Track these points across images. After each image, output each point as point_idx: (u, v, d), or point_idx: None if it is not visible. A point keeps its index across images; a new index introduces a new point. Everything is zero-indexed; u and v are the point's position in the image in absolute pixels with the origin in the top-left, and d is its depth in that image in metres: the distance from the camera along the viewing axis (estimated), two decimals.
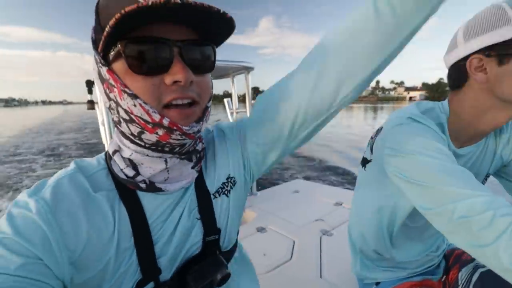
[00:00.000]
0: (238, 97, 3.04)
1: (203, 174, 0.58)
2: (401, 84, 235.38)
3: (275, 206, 2.40)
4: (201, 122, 0.47)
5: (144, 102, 0.41)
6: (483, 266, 0.88)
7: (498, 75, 0.65)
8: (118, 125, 0.47)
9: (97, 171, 0.50)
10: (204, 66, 0.46)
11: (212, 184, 0.58)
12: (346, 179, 6.81)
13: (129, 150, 0.48)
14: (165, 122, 0.42)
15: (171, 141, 0.44)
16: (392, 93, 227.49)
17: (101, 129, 2.11)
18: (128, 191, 0.49)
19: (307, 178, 6.68)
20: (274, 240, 1.83)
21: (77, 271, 0.43)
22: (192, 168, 0.53)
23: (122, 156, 0.49)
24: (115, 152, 0.50)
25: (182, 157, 0.51)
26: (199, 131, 0.47)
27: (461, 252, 1.01)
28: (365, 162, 0.91)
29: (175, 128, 0.43)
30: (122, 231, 0.46)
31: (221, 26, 0.43)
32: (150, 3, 0.33)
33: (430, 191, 0.61)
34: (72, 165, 0.49)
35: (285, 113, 0.54)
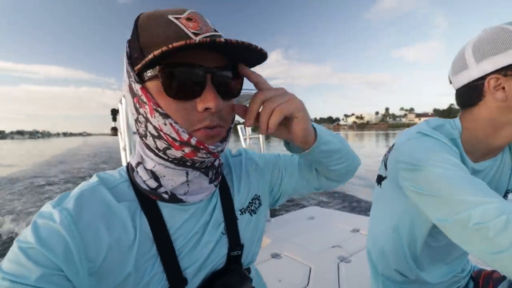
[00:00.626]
0: None
1: (229, 190, 0.61)
2: (411, 110, 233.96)
3: (289, 232, 2.32)
4: (225, 142, 0.50)
5: (175, 122, 0.43)
6: None
7: None
8: (143, 138, 0.48)
9: (119, 183, 0.51)
10: (232, 92, 0.49)
11: (239, 201, 0.61)
12: (360, 206, 6.60)
13: (152, 162, 0.49)
14: (193, 141, 0.44)
15: (196, 158, 0.46)
16: (403, 119, 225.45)
17: (122, 154, 2.22)
18: (149, 202, 0.49)
19: (320, 204, 6.48)
20: (290, 266, 1.76)
21: (98, 282, 0.43)
22: (210, 182, 0.54)
23: (145, 168, 0.50)
24: (138, 164, 0.51)
25: (202, 170, 0.52)
26: (222, 150, 0.49)
27: (490, 272, 0.99)
28: (380, 179, 0.92)
29: (201, 147, 0.45)
30: (142, 240, 0.47)
31: (255, 57, 0.46)
32: (197, 41, 0.36)
33: (444, 201, 0.62)
34: (94, 178, 0.50)
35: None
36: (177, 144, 0.44)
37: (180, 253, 0.50)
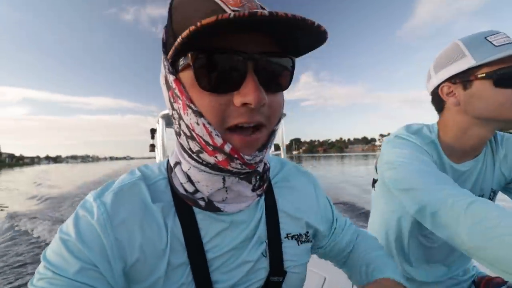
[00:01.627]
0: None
1: (277, 208, 0.53)
2: None
3: None
4: (265, 150, 0.41)
5: (208, 123, 0.37)
6: None
7: (465, 98, 0.76)
8: (178, 136, 0.44)
9: (158, 180, 0.48)
10: (280, 83, 0.40)
11: (288, 223, 0.54)
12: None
13: (187, 164, 0.44)
14: (227, 148, 0.37)
15: (230, 168, 0.39)
16: None
17: None
18: (184, 206, 0.45)
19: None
20: None
21: (129, 282, 0.42)
22: (253, 190, 0.46)
23: (182, 170, 0.45)
24: (176, 164, 0.46)
25: (241, 176, 0.44)
26: (261, 160, 0.41)
27: (491, 278, 1.00)
28: (374, 182, 0.97)
29: (236, 156, 0.38)
30: (174, 246, 0.43)
31: (309, 38, 0.36)
32: (231, 15, 0.28)
33: (412, 192, 0.69)
34: (137, 172, 0.48)
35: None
36: (210, 148, 0.38)
37: (212, 265, 0.45)
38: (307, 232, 0.57)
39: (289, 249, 0.52)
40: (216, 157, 0.38)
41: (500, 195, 0.94)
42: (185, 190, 0.45)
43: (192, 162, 0.43)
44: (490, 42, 0.70)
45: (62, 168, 70.54)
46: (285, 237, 0.52)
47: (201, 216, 0.45)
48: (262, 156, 0.41)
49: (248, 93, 0.34)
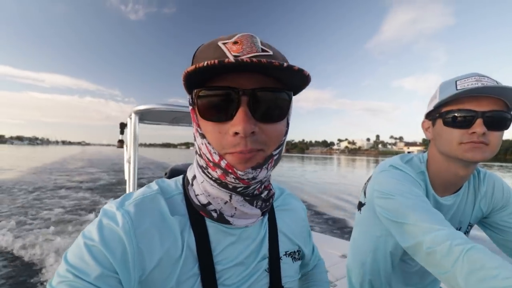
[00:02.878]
0: None
1: (277, 228, 0.58)
2: (400, 139, 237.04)
3: None
4: (259, 169, 0.43)
5: (209, 143, 0.43)
6: None
7: (434, 134, 0.83)
8: (196, 154, 0.49)
9: (175, 195, 0.51)
10: (273, 114, 0.43)
11: (285, 244, 0.58)
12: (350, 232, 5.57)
13: (201, 177, 0.48)
14: (223, 163, 0.42)
15: (227, 181, 0.43)
16: (394, 147, 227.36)
17: (126, 166, 2.14)
18: (198, 219, 0.48)
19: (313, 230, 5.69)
20: None
21: None
22: (257, 208, 0.49)
23: (198, 183, 0.49)
24: (194, 178, 0.51)
25: (246, 198, 0.47)
26: (254, 178, 0.43)
27: None
28: (360, 205, 0.99)
29: (230, 171, 0.42)
30: (188, 256, 0.45)
31: (294, 77, 0.41)
32: (216, 62, 0.35)
33: (406, 227, 0.69)
34: (155, 185, 0.51)
35: None
36: (211, 164, 0.44)
37: (220, 277, 0.47)
38: (299, 250, 0.62)
39: (286, 266, 0.57)
40: (216, 171, 0.43)
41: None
42: (199, 201, 0.48)
43: (204, 176, 0.47)
44: (456, 85, 0.75)
45: (3, 150, 62.15)
46: (283, 255, 0.57)
47: (212, 229, 0.48)
48: (256, 174, 0.43)
49: (237, 123, 0.39)
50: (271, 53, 0.42)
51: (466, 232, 0.95)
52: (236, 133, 0.39)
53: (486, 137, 0.71)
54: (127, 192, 2.07)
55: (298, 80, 0.42)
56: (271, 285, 0.53)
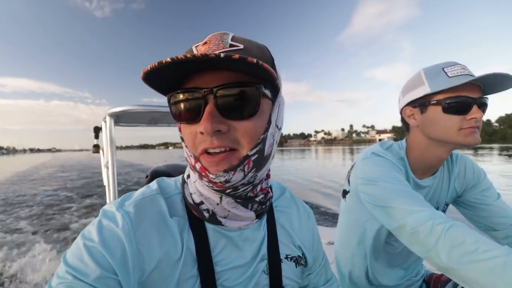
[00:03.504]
0: None
1: (276, 230, 0.56)
2: (372, 127, 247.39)
3: None
4: (233, 172, 0.41)
5: (186, 146, 0.44)
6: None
7: (423, 121, 0.85)
8: None
9: (174, 194, 0.50)
10: (242, 110, 0.40)
11: (286, 248, 0.57)
12: (336, 219, 5.85)
13: (194, 177, 0.49)
14: (197, 166, 0.43)
15: (203, 184, 0.44)
16: (367, 136, 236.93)
17: (104, 171, 2.07)
18: (197, 220, 0.48)
19: None
20: None
21: None
22: (251, 210, 0.49)
23: (191, 182, 0.49)
24: (188, 176, 0.51)
25: (238, 200, 0.47)
26: (228, 181, 0.41)
27: (439, 275, 1.08)
28: (345, 193, 1.02)
29: (203, 174, 0.42)
30: (187, 257, 0.45)
31: (259, 71, 0.38)
32: (168, 59, 0.34)
33: (390, 210, 0.72)
34: (154, 185, 0.50)
35: None
36: (191, 167, 0.44)
37: (220, 278, 0.47)
38: (301, 256, 0.59)
39: (288, 268, 0.55)
40: (196, 174, 0.44)
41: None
42: (193, 200, 0.48)
43: (195, 176, 0.47)
44: (445, 72, 0.78)
45: None
46: (284, 258, 0.55)
47: (211, 230, 0.48)
48: (228, 177, 0.41)
49: (201, 123, 0.39)
50: (241, 47, 0.41)
51: (443, 211, 1.00)
52: (202, 133, 0.39)
53: (478, 121, 0.77)
54: (107, 198, 1.99)
55: (262, 71, 0.38)
56: (271, 286, 0.52)
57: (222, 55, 0.33)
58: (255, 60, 0.35)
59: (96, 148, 2.24)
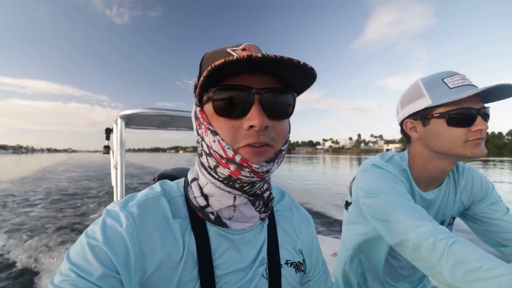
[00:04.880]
0: None
1: (277, 236, 0.56)
2: (380, 137, 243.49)
3: None
4: (272, 163, 0.45)
5: (222, 139, 0.43)
6: None
7: (425, 134, 0.81)
8: (200, 157, 0.49)
9: (176, 196, 0.50)
10: (281, 112, 0.46)
11: (287, 253, 0.56)
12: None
13: (205, 179, 0.48)
14: (237, 158, 0.42)
15: (241, 177, 0.43)
16: (376, 145, 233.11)
17: (112, 172, 2.08)
18: (199, 222, 0.48)
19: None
20: None
21: None
22: (257, 211, 0.50)
23: (198, 185, 0.49)
24: (193, 180, 0.50)
25: (251, 198, 0.48)
26: (268, 171, 0.44)
27: None
28: (347, 204, 0.97)
29: (245, 165, 0.42)
30: (188, 259, 0.45)
31: (300, 76, 0.43)
32: (235, 58, 0.37)
33: (391, 224, 0.69)
34: (158, 187, 0.50)
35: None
36: (223, 161, 0.43)
37: (219, 281, 0.46)
38: (303, 260, 0.59)
39: (288, 274, 0.54)
40: (229, 168, 0.43)
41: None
42: (198, 203, 0.48)
43: (210, 178, 0.47)
44: (446, 84, 0.75)
45: None
46: (285, 263, 0.54)
47: (213, 233, 0.48)
48: (269, 167, 0.44)
49: (253, 118, 0.41)
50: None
51: (450, 225, 0.96)
52: (251, 127, 0.41)
53: (484, 132, 0.73)
54: (115, 199, 2.01)
55: (304, 80, 0.44)
56: None
57: (294, 60, 0.38)
58: (316, 74, 0.42)
59: (107, 149, 2.26)
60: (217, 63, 0.36)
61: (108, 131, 2.20)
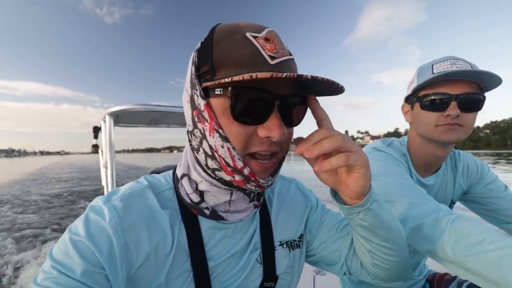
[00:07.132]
0: None
1: (270, 219, 0.54)
2: (366, 133, 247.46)
3: None
4: (275, 175, 0.45)
5: (233, 148, 0.39)
6: (466, 281, 0.91)
7: (413, 117, 0.82)
8: (195, 151, 0.44)
9: (165, 189, 0.48)
10: (296, 120, 0.43)
11: (281, 232, 0.55)
12: None
13: (199, 177, 0.45)
14: (246, 171, 0.40)
15: (245, 187, 0.42)
16: (362, 141, 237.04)
17: (102, 171, 1.99)
18: (190, 214, 0.46)
19: None
20: None
21: (131, 287, 0.40)
22: (250, 202, 0.48)
23: (190, 181, 0.46)
24: (183, 176, 0.47)
25: (246, 192, 0.46)
26: (271, 184, 0.43)
27: (443, 274, 1.03)
28: None
29: (252, 179, 0.40)
30: (178, 252, 0.43)
31: (329, 90, 0.40)
32: (284, 75, 0.32)
33: (392, 205, 0.66)
34: (143, 180, 0.48)
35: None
36: (229, 169, 0.40)
37: (213, 272, 0.45)
38: (301, 236, 0.58)
39: (281, 255, 0.53)
40: (233, 177, 0.40)
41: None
42: (191, 200, 0.45)
43: (205, 176, 0.44)
44: (432, 69, 0.74)
45: None
46: (278, 245, 0.53)
47: (204, 224, 0.46)
48: (273, 180, 0.43)
49: (273, 129, 0.37)
50: (292, 56, 0.41)
51: None
52: (268, 137, 0.38)
53: (460, 119, 0.72)
54: None
55: (328, 91, 0.41)
56: (265, 276, 0.50)
57: (335, 82, 0.36)
58: (344, 91, 0.39)
59: (95, 148, 2.12)
60: (261, 75, 0.32)
61: (96, 130, 2.05)
